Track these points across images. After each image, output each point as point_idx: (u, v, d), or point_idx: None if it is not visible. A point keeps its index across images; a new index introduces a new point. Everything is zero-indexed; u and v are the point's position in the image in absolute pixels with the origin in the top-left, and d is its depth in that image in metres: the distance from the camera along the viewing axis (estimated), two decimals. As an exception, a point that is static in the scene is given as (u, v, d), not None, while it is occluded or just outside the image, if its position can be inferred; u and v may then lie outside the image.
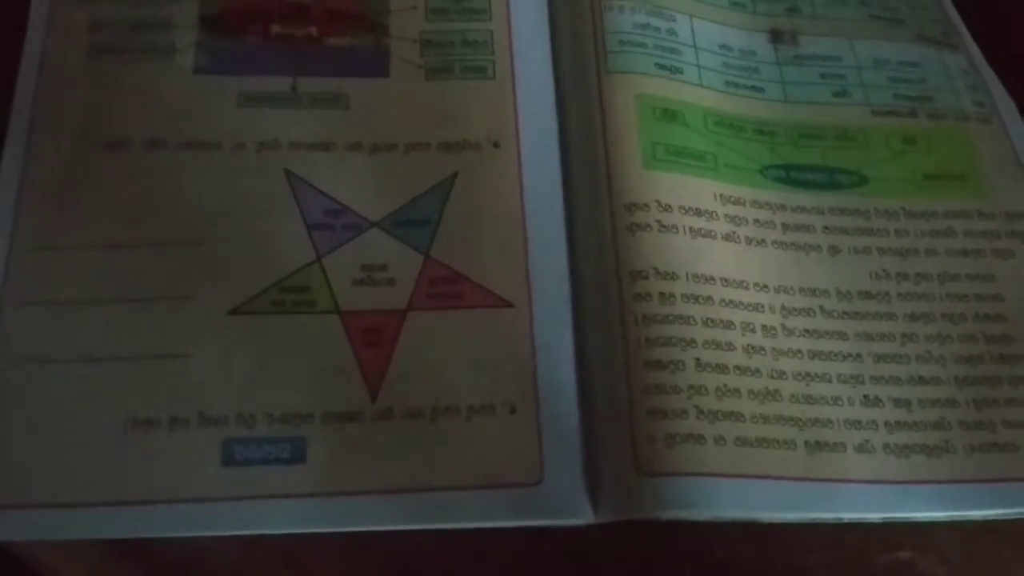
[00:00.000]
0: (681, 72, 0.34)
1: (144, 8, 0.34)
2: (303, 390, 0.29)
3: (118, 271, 0.30)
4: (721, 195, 0.33)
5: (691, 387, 0.29)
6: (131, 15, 0.34)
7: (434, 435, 0.29)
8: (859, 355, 0.31)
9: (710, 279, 0.31)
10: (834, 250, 0.33)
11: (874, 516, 0.29)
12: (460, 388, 0.29)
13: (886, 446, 0.30)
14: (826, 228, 0.33)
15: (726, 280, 0.31)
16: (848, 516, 0.29)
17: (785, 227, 0.33)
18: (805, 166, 0.34)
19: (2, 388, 0.28)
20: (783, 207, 0.33)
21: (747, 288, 0.31)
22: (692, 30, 0.36)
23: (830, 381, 0.30)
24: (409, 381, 0.29)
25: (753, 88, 0.35)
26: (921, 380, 0.31)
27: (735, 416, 0.29)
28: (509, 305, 0.31)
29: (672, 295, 0.30)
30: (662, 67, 0.34)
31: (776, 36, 0.37)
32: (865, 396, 0.30)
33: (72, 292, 0.30)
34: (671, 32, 0.35)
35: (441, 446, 0.29)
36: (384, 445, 0.29)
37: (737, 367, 0.30)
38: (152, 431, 0.28)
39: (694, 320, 0.30)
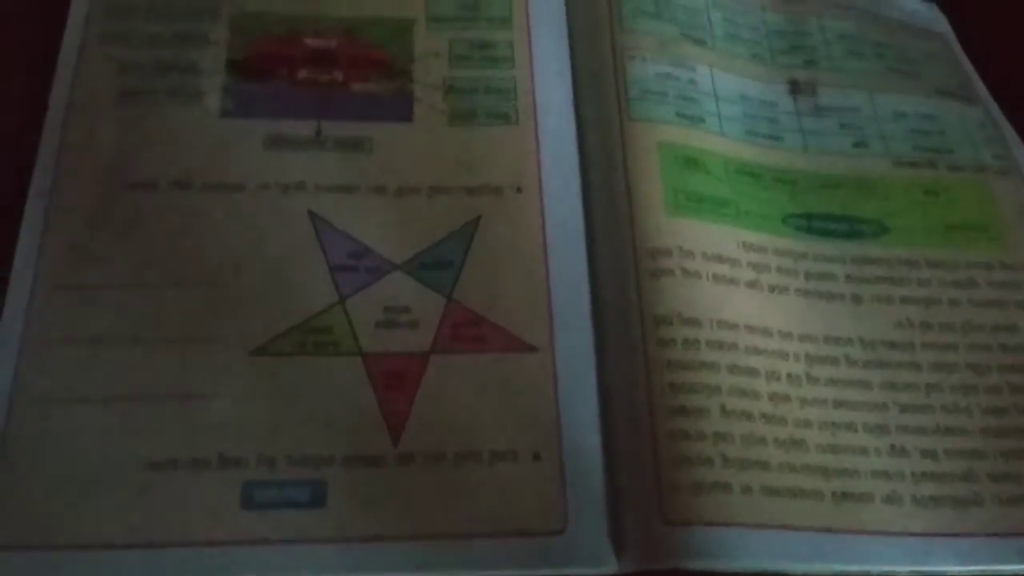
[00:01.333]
0: (702, 121, 0.35)
1: (172, 52, 0.34)
2: (324, 433, 0.29)
3: (140, 311, 0.30)
4: (744, 242, 0.33)
5: (717, 434, 0.29)
6: (159, 58, 0.34)
7: (456, 481, 0.28)
8: (885, 405, 0.31)
9: (734, 326, 0.31)
10: (857, 299, 0.33)
11: (901, 569, 0.28)
12: (483, 433, 0.29)
13: (914, 497, 0.29)
14: (848, 277, 0.33)
15: (750, 327, 0.31)
16: (875, 569, 0.28)
17: (808, 275, 0.33)
18: (826, 215, 0.34)
19: (21, 427, 0.28)
20: (805, 255, 0.33)
21: (771, 336, 0.31)
22: (712, 80, 0.36)
23: (856, 431, 0.30)
24: (431, 425, 0.29)
25: (773, 138, 0.36)
26: (948, 431, 0.31)
27: (761, 465, 0.29)
28: (532, 349, 0.31)
29: (696, 341, 0.30)
30: (683, 116, 0.34)
31: (795, 87, 0.37)
32: (892, 446, 0.30)
33: (94, 332, 0.30)
34: (692, 82, 0.36)
35: (463, 492, 0.28)
36: (405, 490, 0.28)
37: (763, 415, 0.29)
38: (171, 472, 0.28)
39: (719, 367, 0.30)
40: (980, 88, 0.40)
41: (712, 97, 0.35)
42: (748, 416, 0.29)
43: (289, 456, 0.28)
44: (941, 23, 0.42)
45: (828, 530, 0.28)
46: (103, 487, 0.27)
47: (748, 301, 0.31)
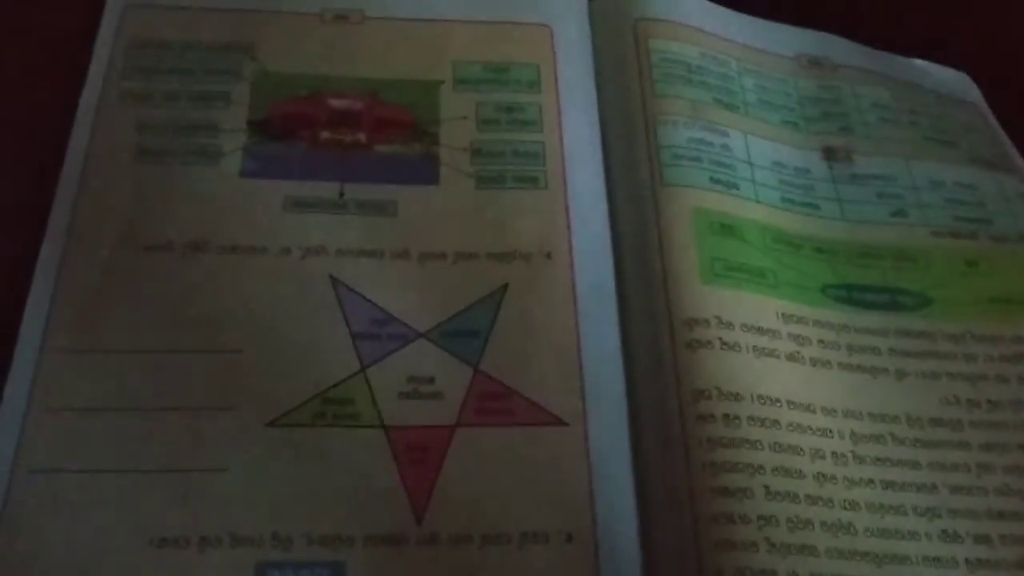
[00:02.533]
0: (737, 187, 0.34)
1: (192, 112, 0.33)
2: (343, 510, 0.27)
3: (151, 378, 0.29)
4: (783, 313, 0.31)
5: (760, 517, 0.27)
6: (179, 118, 0.33)
7: (483, 564, 0.27)
8: (934, 486, 0.29)
9: (776, 401, 0.29)
10: (901, 374, 0.31)
11: (957, 666, 0.27)
12: (511, 513, 0.28)
13: (969, 586, 0.27)
14: (892, 350, 0.32)
15: (792, 403, 0.29)
16: (930, 666, 0.26)
17: (850, 349, 0.31)
18: (867, 286, 0.33)
19: (22, 499, 0.26)
20: (847, 328, 0.32)
21: (814, 412, 0.29)
22: (747, 146, 0.35)
23: (906, 514, 0.28)
24: (457, 503, 0.28)
25: (810, 205, 0.35)
26: (1000, 515, 0.29)
27: (808, 550, 0.27)
28: (563, 423, 0.29)
29: (737, 417, 0.28)
30: (718, 181, 0.33)
31: (830, 154, 0.36)
32: (943, 531, 0.28)
33: (101, 399, 0.28)
34: (725, 147, 0.35)
35: (491, 576, 0.27)
36: (429, 573, 0.26)
37: (808, 496, 0.28)
38: (180, 551, 0.26)
39: (761, 444, 0.28)
40: (1016, 157, 0.39)
41: (747, 163, 0.34)
42: (793, 497, 0.28)
43: (306, 535, 0.27)
44: (973, 91, 0.41)
45: (880, 622, 0.26)
46: (106, 564, 0.26)
47: (790, 375, 0.30)
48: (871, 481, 0.29)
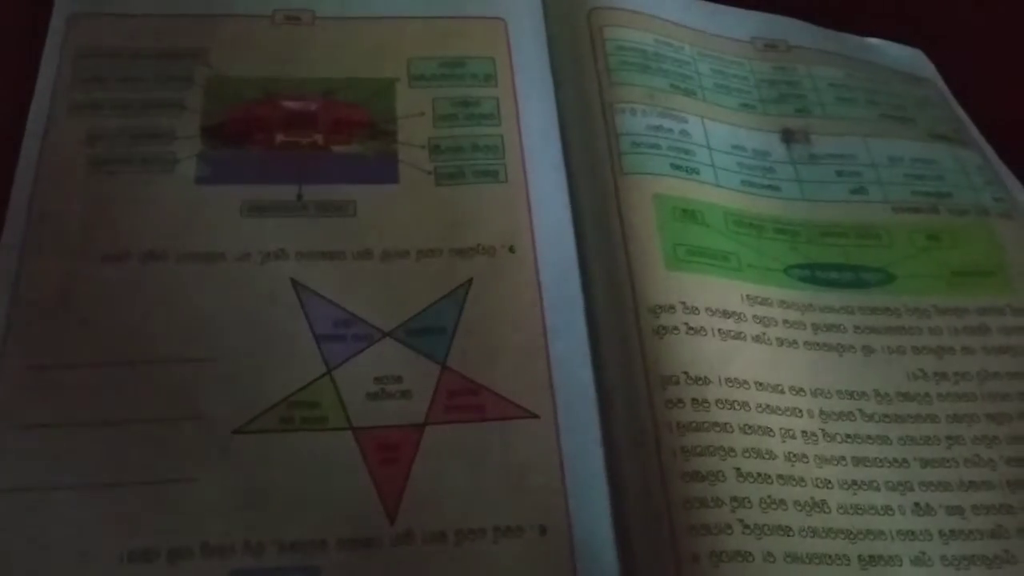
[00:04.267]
0: (697, 172, 0.34)
1: (144, 120, 0.33)
2: (315, 514, 0.27)
3: (114, 391, 0.28)
4: (748, 296, 0.31)
5: (734, 499, 0.27)
6: (131, 126, 0.33)
7: (459, 560, 0.27)
8: (905, 460, 0.29)
9: (744, 383, 0.29)
10: (868, 350, 0.31)
11: (934, 638, 0.27)
12: (484, 508, 0.27)
13: (943, 558, 0.28)
14: (857, 328, 0.32)
15: (760, 384, 0.29)
16: (908, 639, 0.27)
17: (816, 327, 0.31)
18: (829, 265, 0.33)
19: (-13, 519, 0.26)
20: (811, 307, 0.32)
21: (783, 392, 0.30)
22: (705, 131, 0.35)
23: (878, 489, 0.29)
24: (430, 501, 0.27)
25: (770, 187, 0.35)
26: (972, 485, 0.29)
27: (783, 530, 0.27)
28: (533, 416, 0.29)
29: (706, 401, 0.28)
30: (678, 167, 0.33)
31: (788, 136, 0.36)
32: (916, 504, 0.28)
33: (65, 414, 0.28)
34: (684, 133, 0.35)
35: (467, 572, 0.26)
36: (405, 573, 0.26)
37: (780, 476, 0.28)
38: (150, 564, 0.26)
39: (731, 427, 0.28)
40: (973, 131, 0.39)
41: (706, 148, 0.34)
42: (765, 478, 0.28)
43: (278, 542, 0.26)
44: (928, 68, 0.41)
45: (857, 598, 0.26)
46: (78, 582, 0.25)
47: (757, 356, 0.30)
48: (842, 458, 0.29)
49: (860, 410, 0.30)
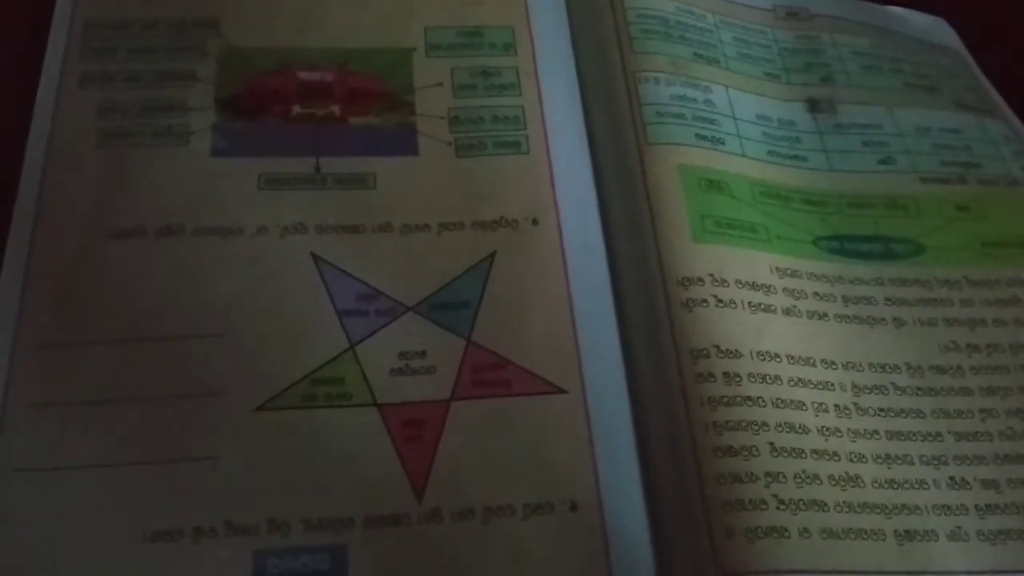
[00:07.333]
0: (723, 143, 0.33)
1: (156, 92, 0.32)
2: (341, 492, 0.26)
3: (133, 368, 0.27)
4: (777, 268, 0.31)
5: (768, 474, 0.26)
6: (143, 98, 0.32)
7: (488, 538, 0.26)
8: (939, 434, 0.29)
9: (775, 356, 0.29)
10: (899, 322, 0.31)
11: (971, 611, 0.26)
12: (513, 484, 0.27)
13: (979, 532, 0.27)
14: (888, 300, 0.31)
15: (792, 357, 0.29)
16: (944, 613, 0.26)
17: (846, 300, 0.31)
18: (858, 236, 0.32)
19: (8, 500, 0.25)
20: (841, 279, 0.31)
21: (814, 365, 0.29)
22: (729, 101, 0.34)
23: (912, 463, 0.28)
24: (457, 478, 0.27)
25: (797, 158, 0.34)
26: (1007, 458, 0.29)
27: (818, 505, 0.26)
28: (561, 391, 0.28)
29: (738, 375, 0.28)
30: (703, 137, 0.33)
31: (814, 105, 0.35)
32: (951, 478, 0.28)
33: (82, 393, 0.27)
34: (708, 103, 0.34)
35: (497, 550, 0.26)
36: (433, 550, 0.26)
37: (814, 451, 0.27)
38: (174, 543, 0.25)
39: (763, 401, 0.28)
40: (999, 100, 0.38)
41: (731, 118, 0.34)
42: (799, 453, 0.27)
43: (304, 520, 0.26)
44: (952, 37, 0.40)
45: (895, 572, 0.26)
46: (100, 562, 0.25)
47: (788, 329, 0.29)
48: (876, 432, 0.28)
49: (893, 383, 0.29)
